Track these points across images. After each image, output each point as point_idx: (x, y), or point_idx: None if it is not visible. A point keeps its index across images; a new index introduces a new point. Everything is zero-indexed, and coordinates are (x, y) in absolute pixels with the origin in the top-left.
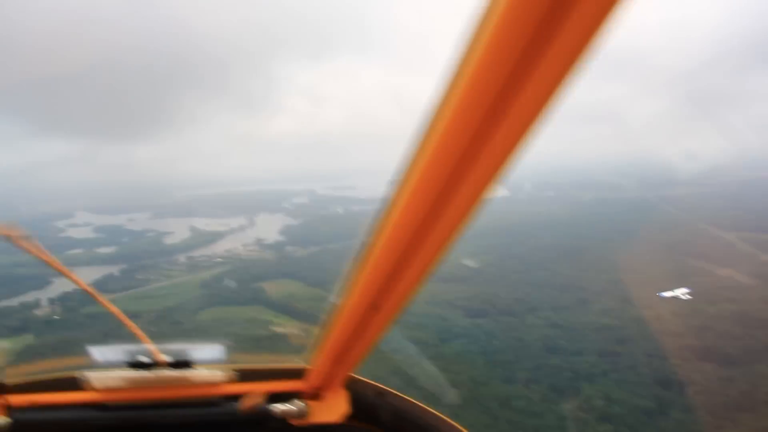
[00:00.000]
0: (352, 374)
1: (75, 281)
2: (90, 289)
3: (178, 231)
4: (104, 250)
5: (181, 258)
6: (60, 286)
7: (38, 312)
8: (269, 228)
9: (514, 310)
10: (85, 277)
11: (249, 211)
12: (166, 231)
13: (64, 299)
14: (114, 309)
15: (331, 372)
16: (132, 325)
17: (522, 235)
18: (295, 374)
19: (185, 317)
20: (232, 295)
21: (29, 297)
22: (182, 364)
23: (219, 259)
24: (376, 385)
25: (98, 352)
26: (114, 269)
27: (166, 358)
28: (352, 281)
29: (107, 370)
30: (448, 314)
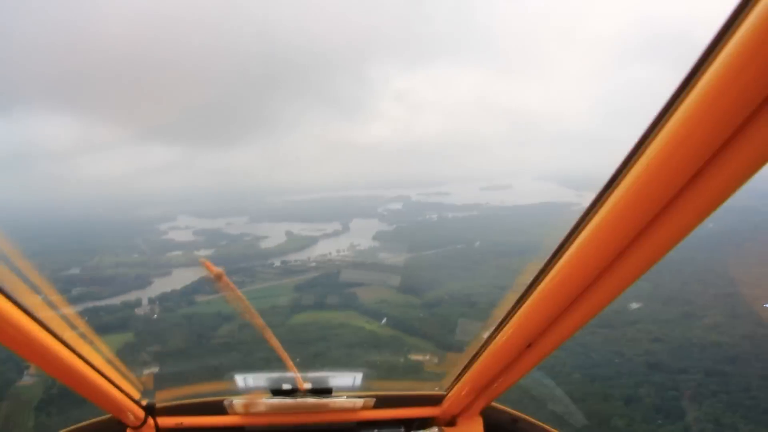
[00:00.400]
0: (491, 402)
1: (257, 323)
2: (261, 323)
3: (273, 235)
4: (203, 253)
5: (276, 262)
6: (159, 287)
7: (138, 311)
8: (363, 234)
9: (614, 322)
10: (185, 278)
11: (343, 217)
12: (262, 235)
13: (162, 299)
14: (274, 340)
15: (469, 400)
16: (284, 355)
17: None
18: (432, 401)
19: (277, 320)
20: (324, 300)
21: (131, 296)
22: (322, 391)
23: (313, 264)
24: (511, 412)
25: (243, 379)
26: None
27: (307, 385)
28: (509, 315)
29: (251, 396)
30: None
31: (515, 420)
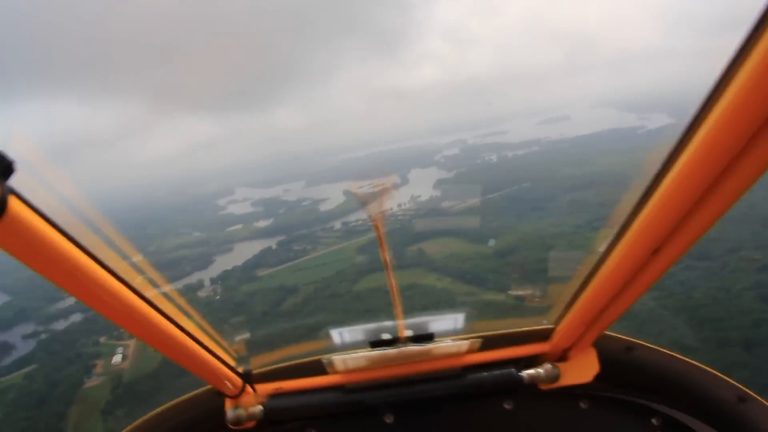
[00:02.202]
0: (603, 332)
1: (386, 262)
2: (389, 267)
3: (332, 197)
4: (262, 224)
5: (337, 224)
6: (220, 265)
7: (201, 293)
8: (423, 184)
9: (711, 252)
10: (246, 252)
11: (401, 169)
12: (320, 198)
13: (224, 278)
14: (393, 282)
15: (581, 331)
16: (397, 300)
17: None
18: (540, 336)
19: (343, 287)
20: (391, 260)
21: (193, 278)
22: (424, 337)
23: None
24: (627, 339)
25: (339, 335)
26: (272, 242)
27: (407, 332)
28: (627, 223)
29: (350, 351)
30: None
31: (631, 348)
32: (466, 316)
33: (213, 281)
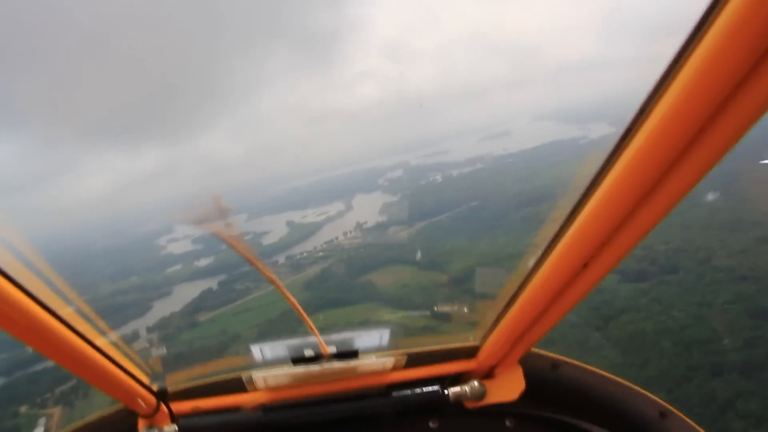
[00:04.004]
0: (530, 349)
1: (271, 279)
2: (278, 283)
3: (275, 229)
4: (203, 263)
5: (281, 258)
6: (159, 311)
7: (136, 346)
8: (368, 209)
9: (682, 264)
10: (185, 294)
11: (345, 195)
12: (263, 231)
13: (162, 326)
14: (291, 299)
15: (507, 348)
16: (305, 316)
17: None
18: (467, 353)
19: (290, 329)
20: (339, 295)
21: (128, 328)
22: (348, 354)
23: (320, 254)
24: (552, 357)
25: (260, 350)
26: (213, 282)
27: (331, 349)
28: (556, 237)
29: (271, 367)
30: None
31: (556, 365)
32: (391, 333)
33: (149, 330)
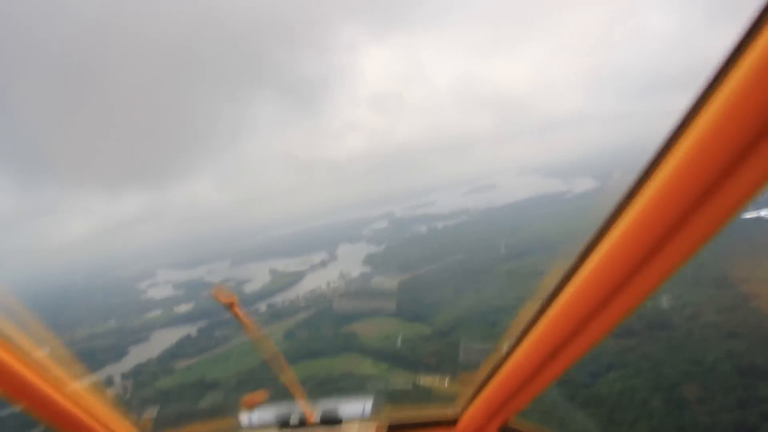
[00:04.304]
0: (508, 420)
1: (266, 349)
2: (275, 355)
3: (257, 276)
4: (183, 308)
5: (262, 306)
6: (135, 357)
7: (110, 391)
8: (352, 259)
9: (669, 320)
10: (164, 340)
11: (329, 244)
12: (245, 279)
13: (137, 373)
14: (288, 372)
15: (486, 419)
16: (296, 387)
17: None
18: (446, 423)
19: (268, 377)
20: (320, 345)
21: (103, 373)
22: (332, 421)
23: (302, 303)
24: (531, 428)
25: (248, 415)
26: (192, 329)
27: (316, 415)
28: (531, 324)
29: (259, 428)
30: None
31: None
32: (374, 401)
33: (124, 377)
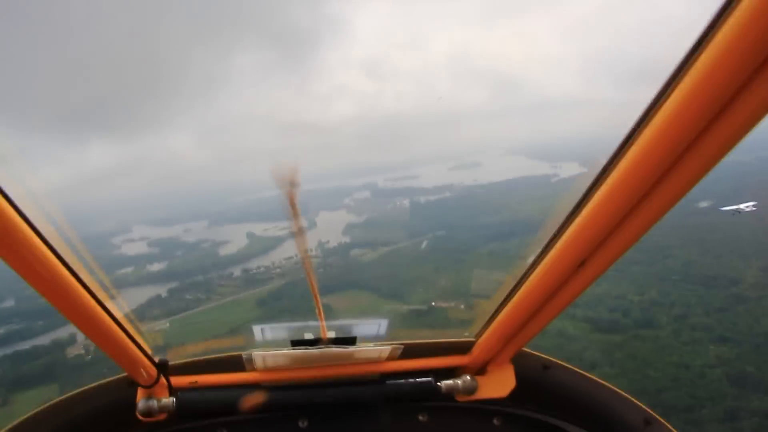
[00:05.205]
0: (522, 348)
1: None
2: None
3: (234, 239)
4: (156, 267)
5: (236, 271)
6: None
7: (70, 351)
8: (331, 228)
9: (657, 319)
10: (131, 300)
11: (309, 211)
12: (222, 240)
13: None
14: (314, 287)
15: (500, 345)
16: (318, 302)
17: None
18: (460, 349)
19: (234, 347)
20: (292, 316)
21: (64, 332)
22: (346, 340)
23: (277, 270)
24: (543, 357)
25: (261, 331)
26: (162, 289)
27: (330, 334)
28: (551, 241)
29: (270, 348)
30: (569, 329)
31: (547, 366)
32: (389, 323)
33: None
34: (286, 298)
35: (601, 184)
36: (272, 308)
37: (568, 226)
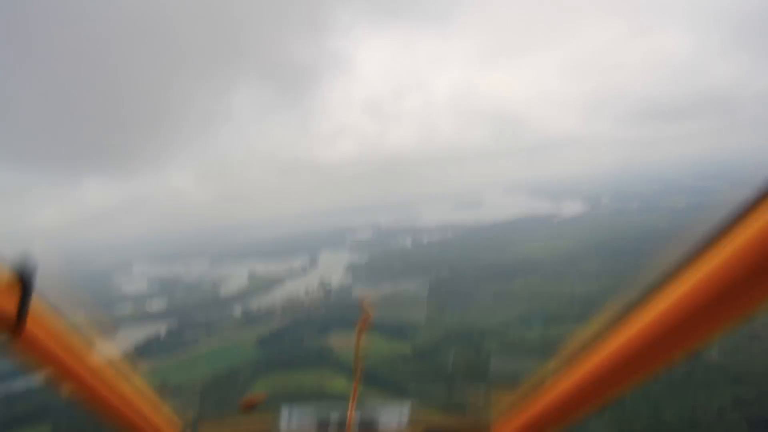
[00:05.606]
0: None
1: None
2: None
3: (235, 277)
4: (156, 305)
5: (237, 310)
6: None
7: (63, 392)
8: (333, 268)
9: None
10: (130, 338)
11: (311, 249)
12: (222, 279)
13: None
14: (358, 347)
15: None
16: (356, 386)
17: (623, 251)
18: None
19: (238, 389)
20: (293, 357)
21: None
22: (369, 424)
23: (278, 310)
24: None
25: (289, 413)
26: (161, 328)
27: (355, 419)
28: (580, 352)
29: (297, 429)
30: None
31: None
32: (411, 407)
33: None
34: (286, 338)
35: (636, 309)
36: (273, 348)
37: (596, 345)
